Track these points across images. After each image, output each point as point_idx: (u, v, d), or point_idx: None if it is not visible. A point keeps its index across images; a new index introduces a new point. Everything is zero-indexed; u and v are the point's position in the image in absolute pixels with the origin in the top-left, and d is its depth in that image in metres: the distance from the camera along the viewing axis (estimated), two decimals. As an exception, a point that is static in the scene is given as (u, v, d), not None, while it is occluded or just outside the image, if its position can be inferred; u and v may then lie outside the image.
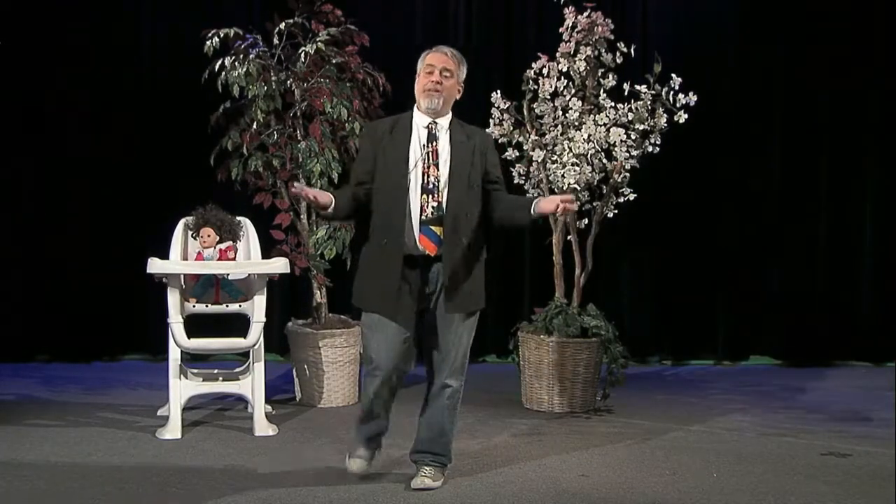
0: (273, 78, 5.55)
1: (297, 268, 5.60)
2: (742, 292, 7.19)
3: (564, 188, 5.47)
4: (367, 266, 4.02)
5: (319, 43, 5.51)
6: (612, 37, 5.54)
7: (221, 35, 5.52)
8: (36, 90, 6.78)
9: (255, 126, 5.58)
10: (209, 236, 5.17)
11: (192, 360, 5.82)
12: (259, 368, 5.07)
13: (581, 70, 5.52)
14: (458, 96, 4.13)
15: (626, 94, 5.51)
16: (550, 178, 5.51)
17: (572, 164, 5.40)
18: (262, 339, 5.03)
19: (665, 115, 5.49)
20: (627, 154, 5.46)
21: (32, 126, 6.77)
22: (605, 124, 5.44)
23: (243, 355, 5.43)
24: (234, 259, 5.20)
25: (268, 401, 5.27)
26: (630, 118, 5.48)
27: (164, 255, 5.09)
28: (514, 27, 7.15)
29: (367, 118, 5.62)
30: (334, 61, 5.62)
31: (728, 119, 7.10)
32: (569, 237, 5.72)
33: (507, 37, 7.14)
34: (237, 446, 4.72)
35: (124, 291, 6.68)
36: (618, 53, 5.54)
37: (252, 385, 5.04)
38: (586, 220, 5.72)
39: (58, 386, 6.08)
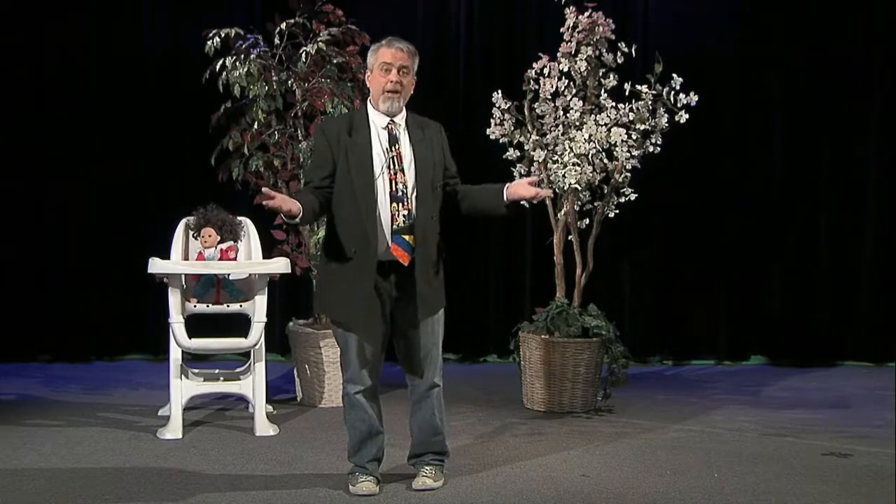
0: (274, 78, 5.55)
1: (297, 268, 5.61)
2: (743, 292, 7.19)
3: (565, 188, 5.47)
4: (333, 275, 3.96)
5: (320, 43, 5.51)
6: (613, 37, 5.54)
7: (222, 35, 5.52)
8: (36, 90, 6.79)
9: (255, 126, 5.59)
10: (210, 236, 5.17)
11: (193, 360, 5.82)
12: (260, 368, 5.07)
13: (582, 70, 5.52)
14: (412, 90, 4.00)
15: (627, 94, 5.51)
16: (551, 178, 5.50)
17: (573, 164, 5.40)
18: (262, 339, 5.03)
19: (666, 115, 5.49)
20: (628, 154, 5.45)
21: (32, 126, 6.77)
22: (606, 124, 5.44)
23: (244, 355, 5.44)
24: (235, 259, 5.20)
25: (269, 401, 5.27)
26: (631, 118, 5.48)
27: (165, 255, 5.09)
28: (516, 27, 7.16)
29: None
30: (335, 61, 5.62)
31: (729, 119, 7.10)
32: (570, 237, 5.72)
33: (508, 36, 7.15)
34: (238, 446, 4.72)
35: (125, 291, 6.69)
36: (619, 53, 5.54)
37: (253, 385, 5.04)
38: (587, 220, 5.72)
39: (59, 386, 6.08)
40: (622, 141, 5.42)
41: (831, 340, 7.19)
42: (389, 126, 3.94)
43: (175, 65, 6.69)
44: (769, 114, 7.19)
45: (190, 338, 4.91)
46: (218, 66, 5.52)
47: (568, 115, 5.51)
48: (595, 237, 5.70)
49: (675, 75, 5.44)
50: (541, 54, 5.58)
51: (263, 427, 4.96)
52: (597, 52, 5.52)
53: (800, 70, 7.11)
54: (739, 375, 6.81)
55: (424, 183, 3.92)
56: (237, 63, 5.47)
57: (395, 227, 3.87)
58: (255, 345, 5.01)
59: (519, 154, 5.67)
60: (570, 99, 5.51)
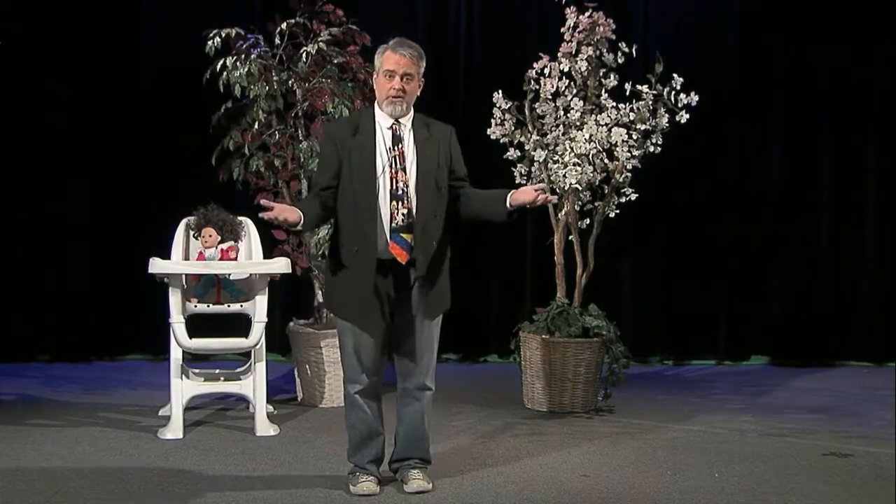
0: (274, 78, 5.55)
1: (298, 268, 5.61)
2: (743, 292, 7.19)
3: (566, 188, 5.47)
4: (338, 273, 3.98)
5: (321, 43, 5.51)
6: (613, 37, 5.53)
7: (223, 35, 5.52)
8: (37, 90, 6.78)
9: (256, 126, 5.58)
10: (210, 236, 5.17)
11: (193, 360, 5.82)
12: (260, 368, 5.07)
13: (582, 70, 5.52)
14: (419, 92, 4.01)
15: (627, 93, 5.51)
16: (552, 178, 5.50)
17: (574, 164, 5.40)
18: (263, 339, 5.03)
19: (666, 115, 5.49)
20: (629, 154, 5.45)
21: (32, 126, 6.77)
22: (606, 124, 5.44)
23: (245, 355, 5.43)
24: (235, 259, 5.19)
25: (269, 401, 5.27)
26: (632, 118, 5.48)
27: (166, 255, 5.09)
28: (516, 27, 7.16)
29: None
30: (336, 61, 5.62)
31: (730, 119, 7.10)
32: (570, 237, 5.72)
33: (509, 36, 7.15)
34: (239, 446, 4.72)
35: (126, 291, 6.68)
36: (619, 53, 5.54)
37: (253, 385, 5.05)
38: (588, 220, 5.72)
39: (59, 386, 6.08)
40: (623, 141, 5.42)
41: (832, 340, 7.19)
42: (394, 126, 3.95)
43: (175, 65, 6.68)
44: (770, 113, 7.19)
45: (190, 338, 4.91)
46: (218, 66, 5.52)
47: (568, 115, 5.51)
48: (596, 237, 5.70)
49: (675, 75, 5.44)
50: (541, 54, 5.58)
51: (264, 427, 4.96)
52: (597, 52, 5.52)
53: (801, 70, 7.11)
54: (740, 375, 6.81)
55: (427, 182, 3.92)
56: (238, 63, 5.47)
57: (393, 225, 3.87)
58: (256, 345, 5.01)
59: (519, 154, 5.67)
60: (571, 99, 5.51)
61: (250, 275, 5.11)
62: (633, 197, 5.61)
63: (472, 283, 6.99)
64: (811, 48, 7.08)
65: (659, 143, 5.53)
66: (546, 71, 5.53)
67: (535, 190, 3.83)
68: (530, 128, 5.61)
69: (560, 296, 5.70)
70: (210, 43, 5.50)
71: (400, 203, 3.88)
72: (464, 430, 5.06)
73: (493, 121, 5.64)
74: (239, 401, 5.47)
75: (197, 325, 5.01)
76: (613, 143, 5.43)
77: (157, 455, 4.55)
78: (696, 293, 7.16)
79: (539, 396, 5.55)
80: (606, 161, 5.53)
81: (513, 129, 5.63)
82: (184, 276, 5.01)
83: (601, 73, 5.56)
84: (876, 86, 7.14)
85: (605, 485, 4.18)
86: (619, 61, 5.55)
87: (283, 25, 5.60)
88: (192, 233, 5.25)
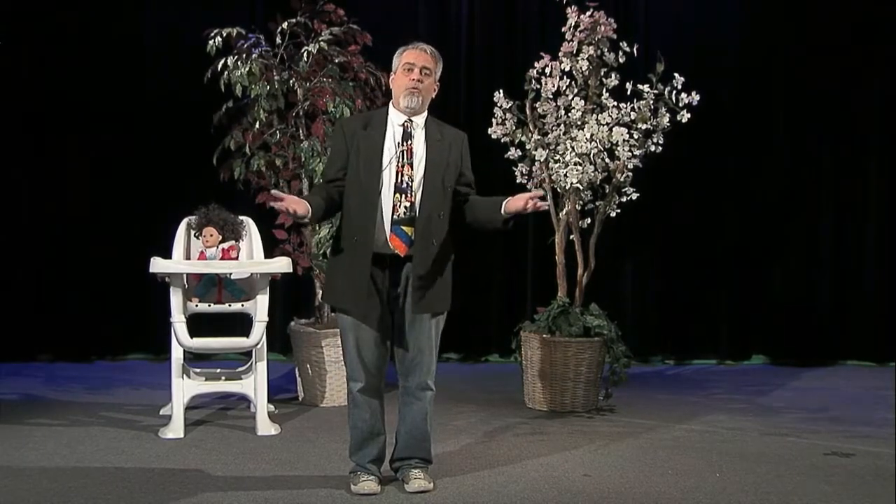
0: (275, 77, 5.55)
1: (299, 267, 5.61)
2: (744, 292, 7.20)
3: (567, 188, 5.47)
4: (337, 263, 4.01)
5: (322, 42, 5.51)
6: (614, 36, 5.54)
7: (224, 35, 5.52)
8: (37, 89, 6.79)
9: (257, 125, 5.59)
10: (212, 236, 5.17)
11: (194, 359, 5.83)
12: (261, 368, 5.07)
13: (584, 69, 5.52)
14: (434, 95, 4.05)
15: (628, 93, 5.51)
16: (553, 177, 5.51)
17: (575, 164, 5.40)
18: (264, 338, 5.03)
19: (668, 115, 5.49)
20: (630, 153, 5.45)
21: (33, 126, 6.78)
22: (607, 123, 5.44)
23: (246, 355, 5.43)
24: (236, 258, 5.20)
25: (270, 400, 5.27)
26: (633, 117, 5.48)
27: (167, 254, 5.09)
28: (517, 26, 7.16)
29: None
30: (337, 61, 5.62)
31: (731, 118, 7.11)
32: (571, 236, 5.72)
33: (510, 36, 7.16)
34: (240, 446, 4.72)
35: (127, 291, 6.69)
36: (620, 53, 5.54)
37: (254, 384, 5.05)
38: (589, 220, 5.72)
39: (60, 385, 6.09)
40: (624, 140, 5.42)
41: (832, 340, 7.20)
42: (406, 124, 3.97)
43: (177, 64, 6.69)
44: (771, 113, 7.19)
45: (192, 337, 4.90)
46: (220, 66, 5.52)
47: (570, 114, 5.51)
48: (597, 236, 5.70)
49: (676, 74, 5.44)
50: (542, 54, 5.58)
51: (265, 426, 4.96)
52: (598, 52, 5.52)
53: (801, 69, 7.12)
54: (741, 375, 6.81)
55: (433, 180, 3.93)
56: (239, 63, 5.47)
57: (395, 217, 3.89)
58: (257, 344, 5.01)
59: (520, 153, 5.67)
60: (572, 98, 5.51)
61: (251, 274, 5.11)
62: (634, 196, 5.61)
63: (474, 283, 6.99)
64: (813, 47, 7.08)
65: (660, 142, 5.53)
66: (547, 70, 5.53)
67: (530, 198, 3.82)
68: (531, 127, 5.61)
69: (561, 295, 5.70)
70: (211, 42, 5.50)
71: (403, 196, 3.90)
72: (465, 430, 5.06)
73: (494, 120, 5.64)
74: (240, 400, 5.47)
75: (198, 325, 5.01)
76: (614, 142, 5.43)
77: (157, 454, 4.55)
78: (697, 293, 7.17)
79: (540, 396, 5.55)
80: (607, 160, 5.53)
81: (514, 128, 5.63)
82: (185, 276, 5.02)
83: (602, 73, 5.56)
84: (876, 86, 7.14)
85: (606, 484, 4.18)
86: (621, 61, 5.55)
87: (285, 25, 5.60)
88: (193, 232, 5.25)
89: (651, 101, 5.47)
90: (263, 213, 5.71)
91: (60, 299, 6.79)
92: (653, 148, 5.55)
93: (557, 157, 5.49)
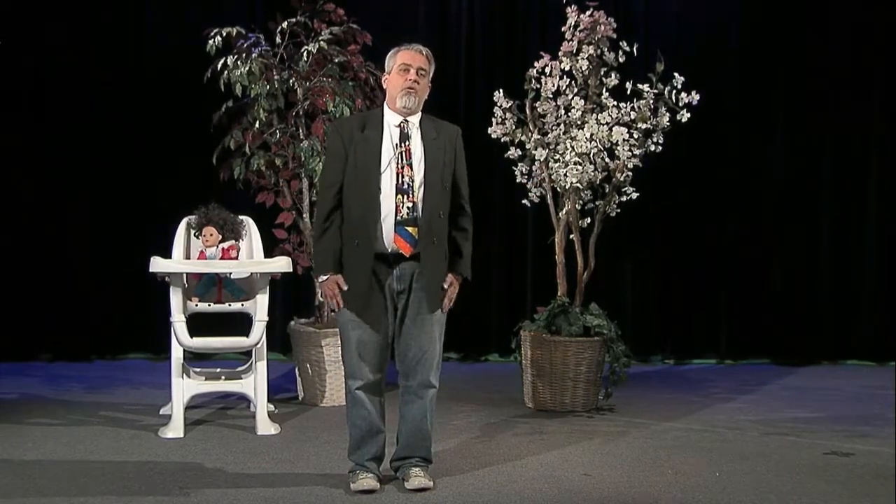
0: (275, 77, 5.55)
1: (299, 267, 5.61)
2: (744, 291, 7.19)
3: (567, 187, 5.47)
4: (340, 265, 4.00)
5: (322, 42, 5.51)
6: (614, 36, 5.53)
7: (224, 34, 5.53)
8: (38, 89, 6.79)
9: (257, 125, 5.59)
10: (212, 235, 5.17)
11: (194, 358, 5.82)
12: (261, 367, 5.07)
13: (583, 69, 5.52)
14: (427, 95, 4.06)
15: (628, 92, 5.50)
16: (553, 177, 5.51)
17: (575, 163, 5.40)
18: (264, 338, 5.03)
19: (667, 114, 5.49)
20: (630, 153, 5.45)
21: (34, 126, 6.78)
22: (607, 123, 5.43)
23: (246, 354, 5.43)
24: (236, 258, 5.20)
25: (270, 400, 5.27)
26: (633, 117, 5.48)
27: (167, 254, 5.09)
28: (517, 26, 7.16)
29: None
30: (337, 60, 5.62)
31: (730, 118, 7.10)
32: (571, 236, 5.71)
33: (510, 35, 7.16)
34: (239, 445, 4.72)
35: (127, 290, 6.70)
36: (620, 52, 5.54)
37: (254, 384, 5.05)
38: (589, 219, 5.72)
39: (60, 385, 6.09)
40: (624, 140, 5.41)
41: (833, 339, 7.19)
42: (402, 124, 3.98)
43: (176, 64, 6.69)
44: (771, 113, 7.19)
45: (191, 337, 4.90)
46: (219, 66, 5.52)
47: (569, 114, 5.50)
48: (596, 236, 5.70)
49: (676, 74, 5.44)
50: (542, 53, 5.58)
51: (265, 426, 4.96)
52: (598, 51, 5.52)
53: (801, 69, 7.12)
54: (741, 374, 6.81)
55: (433, 180, 3.94)
56: (239, 62, 5.47)
57: (398, 218, 3.90)
58: (257, 344, 5.01)
59: (520, 153, 5.67)
60: (572, 98, 5.51)
61: (251, 274, 5.12)
62: (634, 196, 5.61)
63: (473, 283, 6.94)
64: (813, 47, 7.08)
65: (660, 142, 5.53)
66: (547, 70, 5.53)
67: (449, 299, 4.03)
68: (531, 127, 5.61)
69: (561, 295, 5.69)
70: (211, 42, 5.50)
71: (405, 197, 3.91)
72: (465, 429, 5.06)
73: (493, 120, 5.64)
74: (240, 400, 5.47)
75: (198, 324, 5.01)
76: (614, 141, 5.43)
77: (157, 454, 4.55)
78: (697, 292, 7.17)
79: (540, 395, 5.55)
80: (607, 160, 5.53)
81: (514, 128, 5.63)
82: (185, 275, 5.02)
83: (602, 72, 5.56)
84: (876, 85, 7.14)
85: (606, 483, 4.18)
86: (620, 60, 5.55)
87: (284, 24, 5.60)
88: (193, 232, 5.25)
89: (651, 101, 5.47)
90: (263, 212, 5.72)
91: (60, 299, 6.79)
92: (653, 148, 5.54)
93: (557, 156, 5.48)
